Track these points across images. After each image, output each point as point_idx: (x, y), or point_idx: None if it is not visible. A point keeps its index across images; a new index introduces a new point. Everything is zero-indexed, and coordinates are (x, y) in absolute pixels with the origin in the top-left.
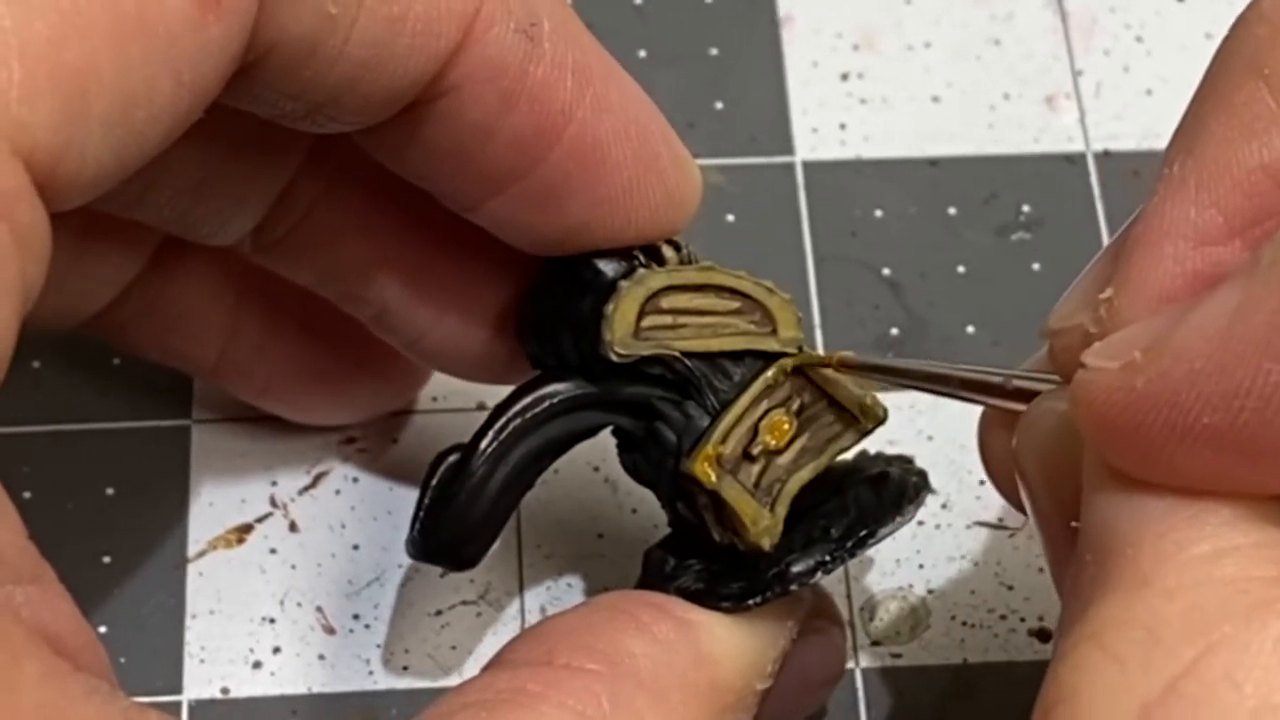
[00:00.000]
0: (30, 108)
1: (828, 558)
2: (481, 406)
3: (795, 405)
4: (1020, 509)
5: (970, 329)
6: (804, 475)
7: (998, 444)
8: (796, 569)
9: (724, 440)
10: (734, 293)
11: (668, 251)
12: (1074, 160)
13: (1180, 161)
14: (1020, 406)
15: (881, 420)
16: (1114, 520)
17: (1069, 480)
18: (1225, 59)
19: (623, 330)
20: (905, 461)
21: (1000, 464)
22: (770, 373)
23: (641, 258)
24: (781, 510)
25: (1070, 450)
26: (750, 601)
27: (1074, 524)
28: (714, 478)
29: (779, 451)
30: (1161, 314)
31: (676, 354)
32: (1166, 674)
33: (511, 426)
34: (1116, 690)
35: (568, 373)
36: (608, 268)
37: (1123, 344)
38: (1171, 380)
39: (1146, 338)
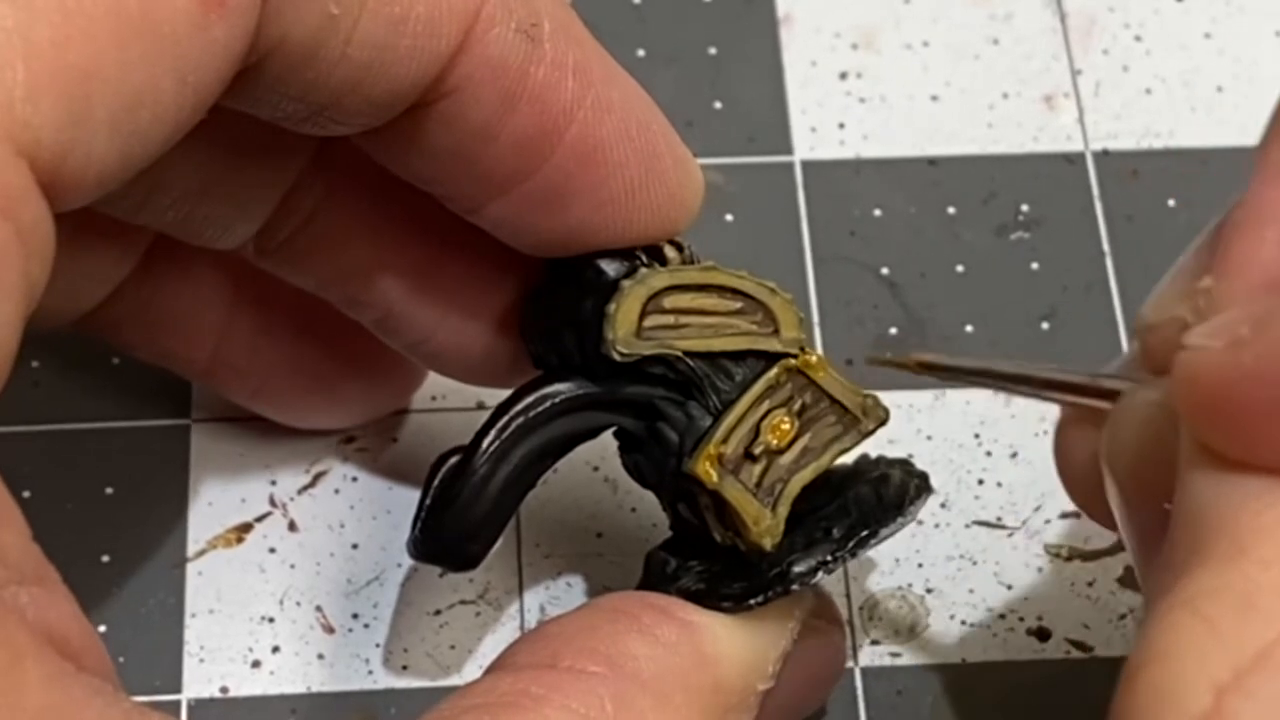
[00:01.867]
0: (34, 107)
1: (829, 558)
2: (481, 406)
3: (797, 405)
4: (1092, 514)
5: (969, 328)
6: (805, 475)
7: (1078, 445)
8: (798, 569)
9: (726, 440)
10: (736, 293)
11: (670, 252)
12: (1073, 160)
13: (1278, 146)
14: (1105, 405)
15: (883, 421)
16: (1211, 497)
17: (1161, 474)
18: None
19: (625, 330)
20: (905, 464)
21: (1077, 467)
22: (772, 372)
23: (644, 258)
24: (783, 510)
25: (1163, 442)
26: (752, 601)
27: (1166, 506)
28: (716, 477)
29: (781, 452)
30: (1266, 299)
31: (679, 354)
32: (1260, 640)
33: (514, 426)
34: (1208, 653)
35: (570, 373)
36: (610, 268)
37: (1228, 324)
38: None
39: (1252, 318)
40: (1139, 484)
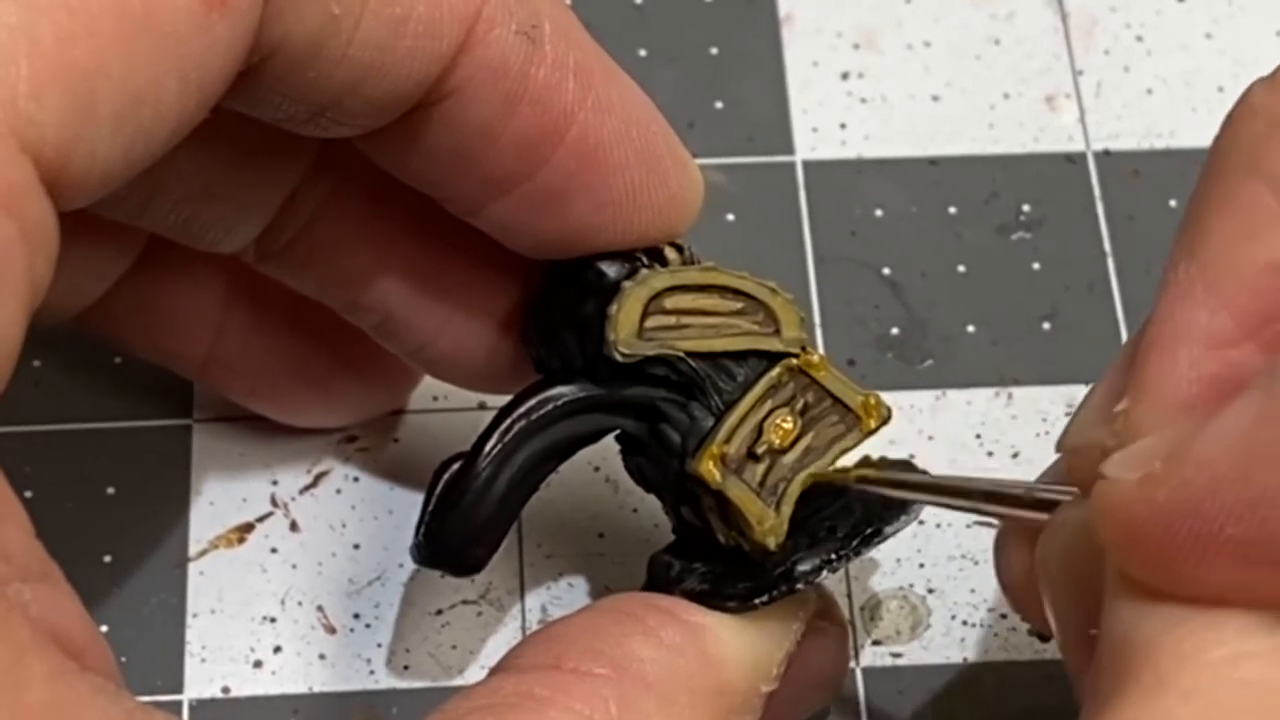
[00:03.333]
0: (39, 104)
1: (833, 556)
2: (483, 406)
3: (799, 405)
4: (1035, 624)
5: (970, 328)
6: (808, 475)
7: (1016, 558)
8: (802, 568)
9: (728, 440)
10: (737, 293)
11: (670, 253)
12: (1074, 160)
13: (1185, 265)
14: (1041, 517)
15: (886, 419)
16: (1134, 626)
17: (1091, 588)
18: (1221, 157)
19: (627, 330)
20: (908, 464)
21: (1017, 577)
22: (774, 372)
23: (644, 259)
24: (786, 509)
25: (1092, 559)
26: (756, 601)
27: (1093, 632)
28: (719, 477)
29: (783, 451)
30: (1179, 424)
31: (680, 354)
32: None
33: (516, 429)
34: None
35: (572, 376)
36: (611, 269)
37: (1142, 454)
38: (1194, 490)
39: (1166, 448)
40: (1071, 604)
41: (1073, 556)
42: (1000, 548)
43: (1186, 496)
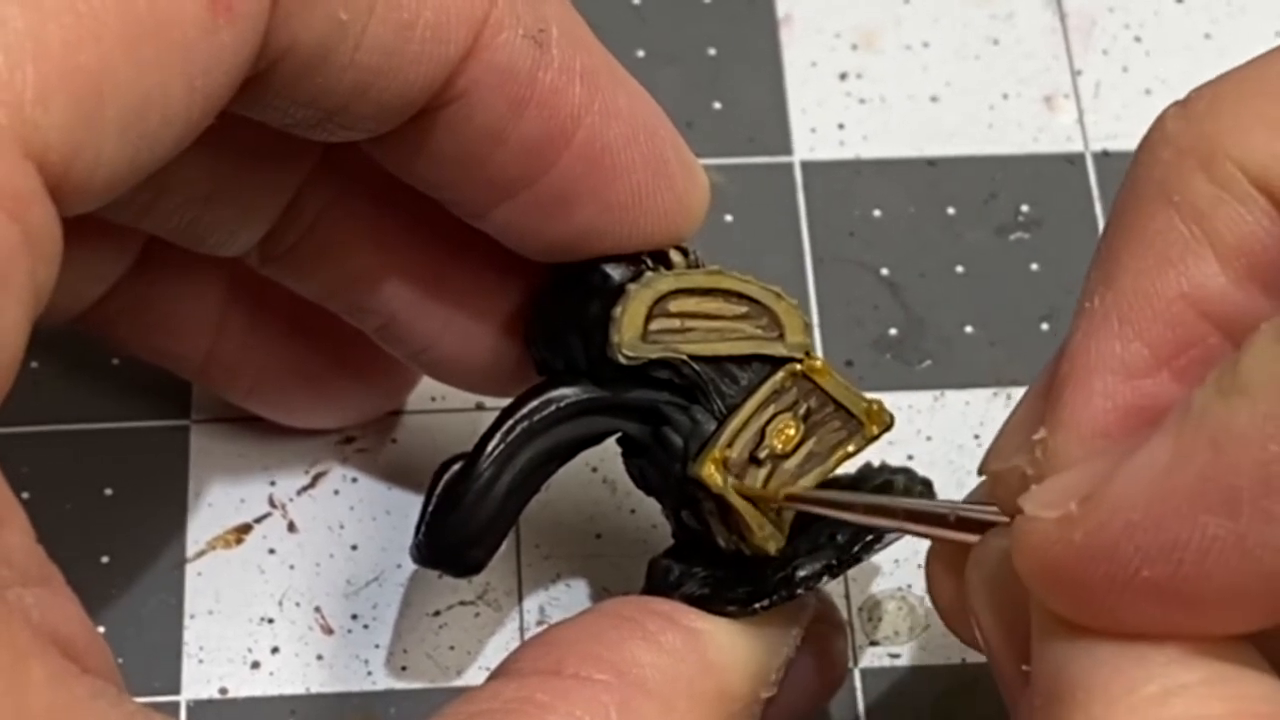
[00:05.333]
0: (44, 109)
1: (834, 562)
2: (481, 407)
3: (802, 410)
4: (970, 644)
5: (969, 329)
6: (810, 480)
7: (945, 581)
8: (803, 573)
9: (731, 444)
10: (741, 297)
11: (675, 256)
12: (1073, 160)
13: (1100, 295)
14: (970, 538)
15: (888, 426)
16: (1062, 665)
17: (1020, 616)
18: (1134, 186)
19: (631, 333)
20: (908, 471)
21: (948, 600)
22: (777, 377)
23: (649, 262)
24: (787, 514)
25: (1020, 588)
26: (757, 605)
27: (1025, 668)
28: (720, 481)
29: (785, 456)
30: (1096, 457)
31: (684, 357)
32: None
33: (518, 430)
34: None
35: (576, 378)
36: (615, 272)
37: (1059, 491)
38: (1109, 533)
39: (1082, 486)
40: (1000, 631)
41: (999, 585)
42: (930, 570)
43: (1102, 540)
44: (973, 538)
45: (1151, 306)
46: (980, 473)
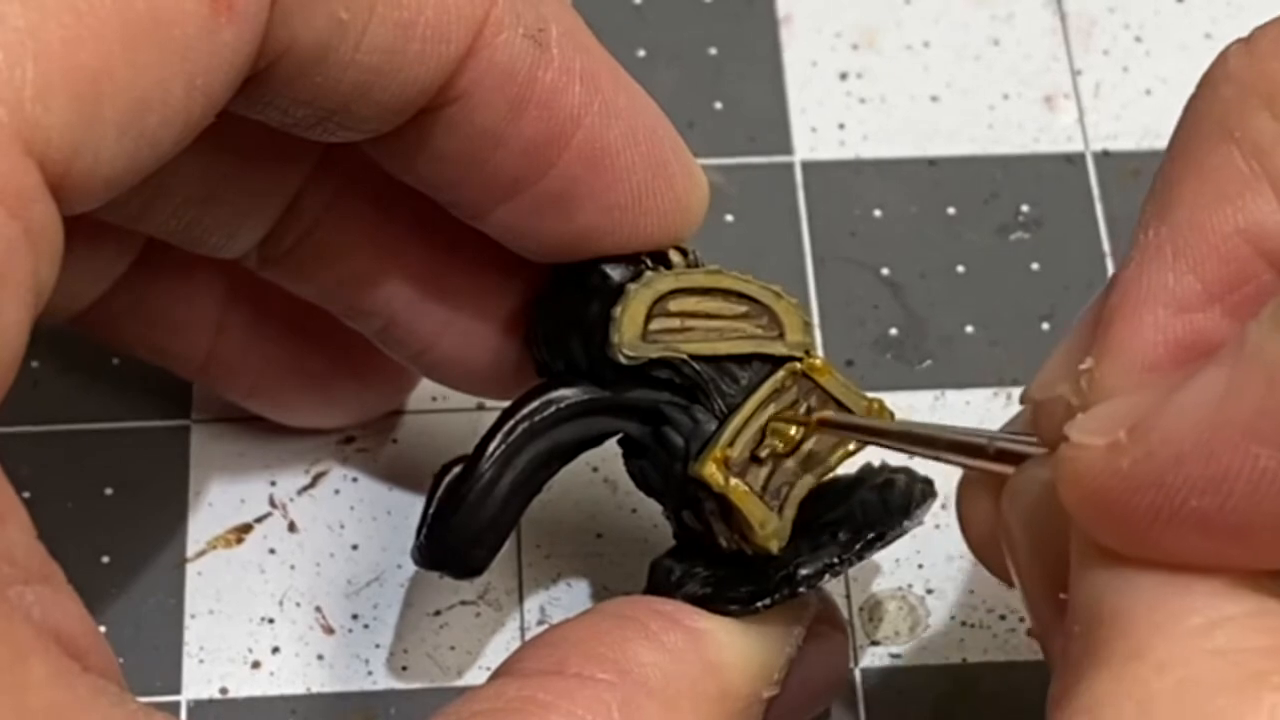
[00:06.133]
0: (45, 107)
1: (836, 560)
2: (481, 407)
3: (803, 409)
4: (998, 575)
5: (969, 329)
6: (811, 479)
7: (977, 509)
8: (805, 571)
9: (732, 443)
10: (741, 296)
11: (674, 256)
12: (1073, 160)
13: (1155, 227)
14: (1004, 469)
15: None
16: (1104, 594)
17: (1056, 547)
18: (1194, 121)
19: (631, 333)
20: (909, 471)
21: (979, 529)
22: (778, 376)
23: (649, 262)
24: (789, 513)
25: (1057, 518)
26: (759, 604)
27: (1062, 596)
28: (722, 480)
29: (786, 455)
30: (1145, 388)
31: (684, 357)
32: None
33: (520, 430)
34: None
35: (576, 378)
36: (615, 272)
37: (1107, 419)
38: (1158, 463)
39: (1131, 414)
40: (1035, 563)
41: (1037, 516)
42: (962, 498)
43: (1150, 469)
44: (1009, 469)
45: (1206, 241)
46: (1022, 401)
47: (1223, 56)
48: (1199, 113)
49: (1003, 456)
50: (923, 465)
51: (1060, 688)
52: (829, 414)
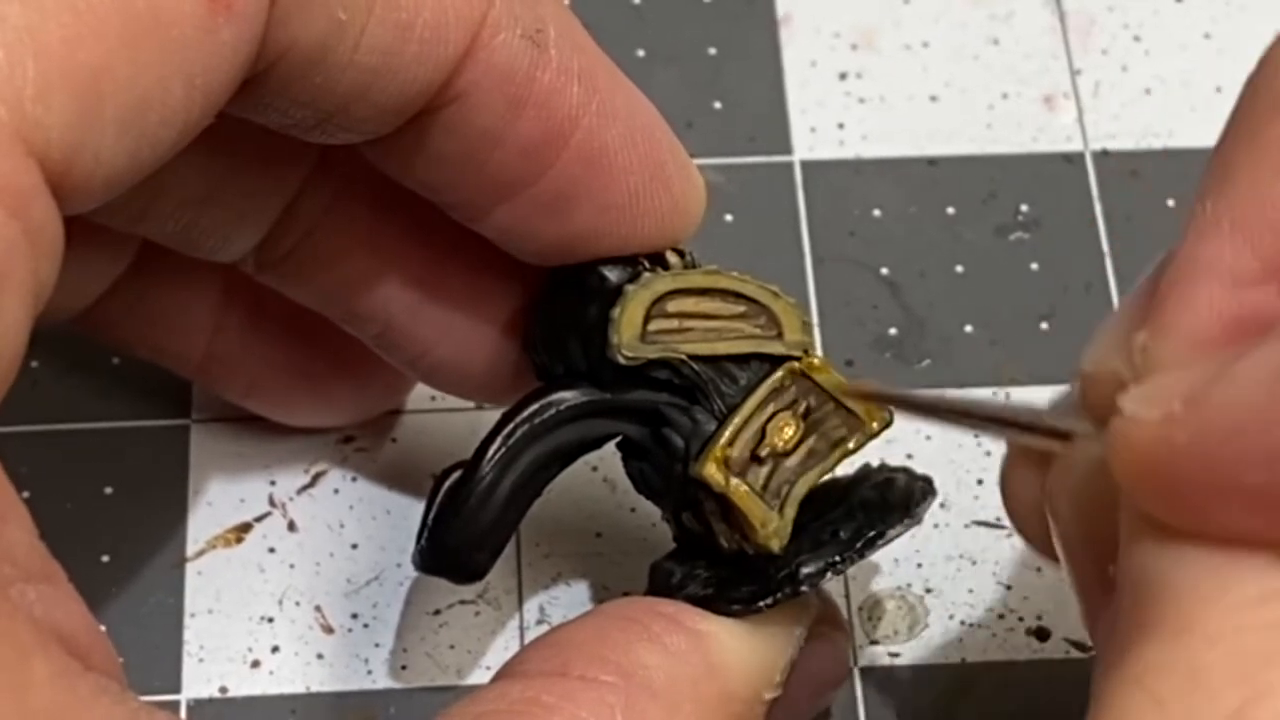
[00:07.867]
0: (45, 106)
1: (837, 559)
2: (481, 407)
3: (802, 408)
4: (1042, 551)
5: (968, 329)
6: (811, 477)
7: (1023, 485)
8: (806, 570)
9: (732, 443)
10: (739, 296)
11: (672, 257)
12: (1072, 160)
13: (1212, 201)
14: (1051, 445)
15: (888, 423)
16: (1154, 567)
17: (1105, 523)
18: (1253, 97)
19: (629, 334)
20: (909, 470)
21: (1024, 504)
22: (777, 375)
23: (646, 264)
24: (790, 512)
25: (1106, 493)
26: (760, 604)
27: (1110, 569)
28: (722, 480)
29: (786, 454)
30: (1201, 362)
31: (683, 357)
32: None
33: (520, 433)
34: None
35: (575, 380)
36: (613, 274)
37: (1162, 392)
38: (1214, 436)
39: (1186, 388)
40: (1083, 539)
41: (1086, 493)
42: (1007, 475)
43: (1206, 443)
44: (1056, 444)
45: (1265, 216)
46: (1072, 376)
47: None
48: (1259, 87)
49: (1051, 433)
50: (922, 465)
51: (1107, 660)
52: (868, 384)
